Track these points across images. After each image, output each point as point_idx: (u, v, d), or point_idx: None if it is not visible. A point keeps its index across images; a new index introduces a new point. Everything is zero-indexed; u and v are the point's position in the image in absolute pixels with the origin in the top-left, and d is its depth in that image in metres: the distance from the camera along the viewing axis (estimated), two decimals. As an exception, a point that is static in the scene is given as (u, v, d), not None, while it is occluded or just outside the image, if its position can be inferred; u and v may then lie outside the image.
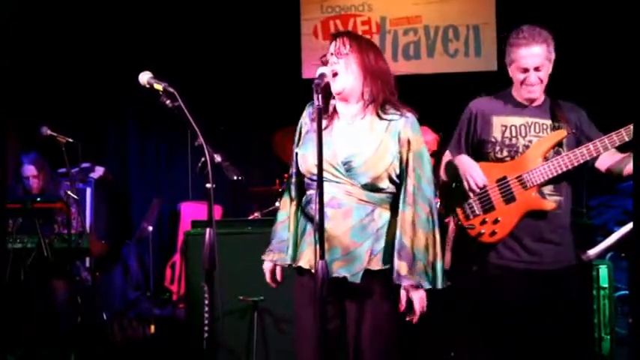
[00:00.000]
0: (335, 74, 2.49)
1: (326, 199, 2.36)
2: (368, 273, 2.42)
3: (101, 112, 6.85)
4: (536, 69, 2.90)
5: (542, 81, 2.94)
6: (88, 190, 6.06)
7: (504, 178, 2.94)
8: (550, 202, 2.90)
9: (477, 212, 2.96)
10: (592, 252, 2.43)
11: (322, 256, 2.21)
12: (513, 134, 2.96)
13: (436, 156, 4.90)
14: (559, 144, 2.94)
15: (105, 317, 5.24)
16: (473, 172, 2.90)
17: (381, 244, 2.45)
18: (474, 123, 3.02)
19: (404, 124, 2.48)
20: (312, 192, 2.47)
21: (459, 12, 6.46)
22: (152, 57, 6.14)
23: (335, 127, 2.54)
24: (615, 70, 4.96)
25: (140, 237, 6.28)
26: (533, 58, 2.90)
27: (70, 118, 5.94)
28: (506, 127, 2.97)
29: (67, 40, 6.39)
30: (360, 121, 2.53)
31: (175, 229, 6.62)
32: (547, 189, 2.93)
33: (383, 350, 2.47)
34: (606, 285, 3.67)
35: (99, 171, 6.25)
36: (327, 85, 2.47)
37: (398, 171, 2.47)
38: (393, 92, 2.55)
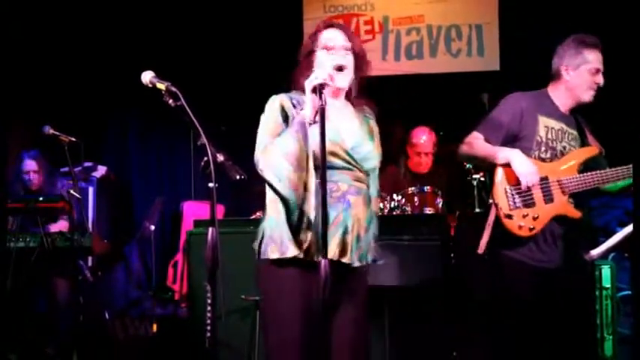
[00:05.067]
0: (343, 68, 2.46)
1: (344, 187, 2.40)
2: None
3: (103, 111, 6.86)
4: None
5: None
6: (91, 190, 6.07)
7: (546, 178, 3.03)
8: (578, 211, 3.03)
9: (518, 205, 3.01)
10: (595, 252, 2.43)
11: (325, 255, 2.20)
12: (554, 137, 3.06)
13: (434, 156, 4.91)
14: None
15: (107, 316, 5.25)
16: (532, 170, 2.97)
17: (375, 231, 2.51)
18: (521, 117, 3.07)
19: (372, 116, 2.59)
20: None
21: (462, 11, 6.45)
22: (154, 57, 6.14)
23: (328, 115, 2.43)
24: (619, 73, 4.96)
25: (142, 236, 6.28)
26: (602, 61, 3.07)
27: (73, 118, 5.94)
28: (548, 128, 3.06)
29: (69, 39, 6.39)
30: (349, 114, 2.53)
31: (178, 229, 6.62)
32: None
33: (364, 340, 2.50)
34: (609, 285, 3.67)
35: (101, 170, 6.25)
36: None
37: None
38: (364, 90, 2.57)
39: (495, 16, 6.33)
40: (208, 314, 2.26)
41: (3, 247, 4.27)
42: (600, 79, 3.04)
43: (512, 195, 3.02)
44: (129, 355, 5.14)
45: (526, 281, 2.97)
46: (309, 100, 2.32)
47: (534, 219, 2.99)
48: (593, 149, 3.08)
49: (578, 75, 3.06)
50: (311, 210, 2.36)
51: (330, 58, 2.47)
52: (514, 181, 3.00)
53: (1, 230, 4.18)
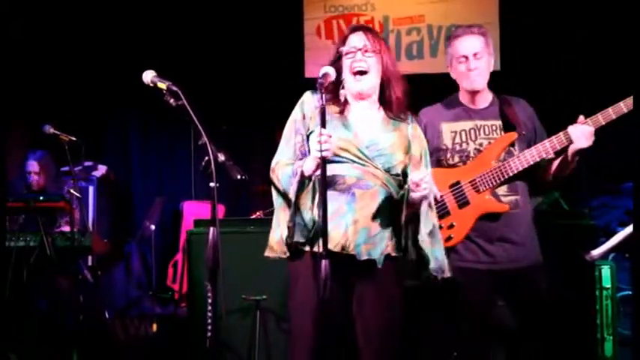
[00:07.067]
0: (364, 72, 2.50)
1: (352, 180, 2.44)
2: (386, 258, 2.46)
3: (104, 110, 6.87)
4: (475, 55, 2.94)
5: (483, 70, 2.97)
6: (91, 189, 6.07)
7: (458, 182, 2.96)
8: (503, 204, 2.91)
9: None
10: (595, 252, 2.43)
11: (326, 256, 2.21)
12: (463, 139, 2.98)
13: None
14: (511, 145, 2.96)
15: (107, 316, 5.24)
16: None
17: (396, 230, 2.49)
18: (424, 132, 2.98)
19: (414, 123, 2.62)
20: (333, 173, 2.44)
21: (462, 11, 6.45)
22: (155, 56, 6.14)
23: (350, 113, 2.56)
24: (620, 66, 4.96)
25: (142, 236, 6.28)
26: (470, 46, 2.95)
27: (73, 117, 5.94)
28: (455, 132, 2.99)
29: (69, 39, 6.40)
30: (372, 113, 2.58)
31: (178, 228, 6.62)
32: (501, 189, 2.94)
33: (390, 335, 2.49)
34: (609, 285, 3.66)
35: (101, 169, 6.25)
36: (330, 84, 2.47)
37: (405, 167, 2.55)
38: (405, 95, 2.59)
39: (496, 17, 6.33)
40: (209, 314, 2.27)
41: (3, 247, 4.26)
42: (472, 64, 2.93)
43: None
44: (129, 355, 5.14)
45: (476, 285, 2.89)
46: (313, 157, 2.36)
47: (449, 228, 2.91)
48: (508, 136, 2.94)
49: (454, 69, 3.01)
50: (306, 208, 2.47)
51: (347, 63, 2.51)
52: None
53: (1, 229, 4.17)
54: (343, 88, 2.55)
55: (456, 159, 2.98)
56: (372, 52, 2.50)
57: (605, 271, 3.67)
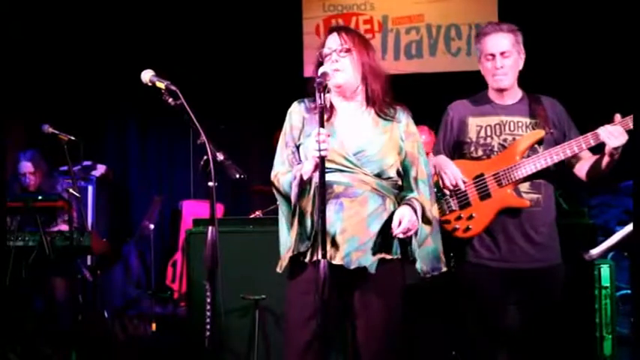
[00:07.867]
0: (337, 70, 2.50)
1: (340, 188, 2.43)
2: (380, 262, 2.45)
3: (103, 110, 6.87)
4: (502, 54, 2.97)
5: (510, 69, 2.99)
6: (90, 189, 6.07)
7: (481, 175, 2.98)
8: (525, 200, 2.92)
9: (454, 208, 2.99)
10: (594, 251, 2.42)
11: (324, 256, 2.21)
12: (488, 134, 3.01)
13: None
14: (538, 143, 2.97)
15: (106, 315, 5.24)
16: (446, 169, 2.96)
17: (391, 233, 2.46)
18: (451, 125, 3.09)
19: (406, 119, 2.59)
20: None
21: (461, 10, 6.46)
22: (153, 55, 6.15)
23: (336, 119, 2.55)
24: (615, 67, 4.97)
25: (141, 235, 6.28)
26: (498, 44, 2.98)
27: (72, 116, 5.95)
28: (481, 127, 3.02)
29: (69, 38, 6.40)
30: (361, 115, 2.56)
31: (177, 228, 6.63)
32: (524, 187, 2.95)
33: (389, 337, 2.48)
34: (608, 284, 3.66)
35: (100, 169, 6.26)
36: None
37: (400, 165, 2.54)
38: (388, 91, 2.59)
39: (495, 16, 6.33)
40: (208, 313, 2.26)
41: (2, 247, 4.26)
42: (498, 63, 2.97)
43: (446, 199, 3.00)
44: (128, 355, 5.14)
45: (488, 283, 2.90)
46: (311, 158, 2.36)
47: (469, 219, 2.94)
48: (537, 133, 2.97)
49: (482, 65, 3.05)
50: (306, 215, 2.47)
51: (326, 66, 2.49)
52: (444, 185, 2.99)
53: (1, 230, 4.16)
54: (329, 91, 2.55)
55: (480, 152, 3.01)
56: (345, 51, 2.50)
57: (604, 270, 3.67)
